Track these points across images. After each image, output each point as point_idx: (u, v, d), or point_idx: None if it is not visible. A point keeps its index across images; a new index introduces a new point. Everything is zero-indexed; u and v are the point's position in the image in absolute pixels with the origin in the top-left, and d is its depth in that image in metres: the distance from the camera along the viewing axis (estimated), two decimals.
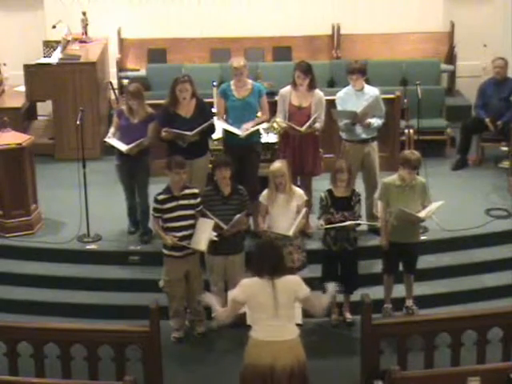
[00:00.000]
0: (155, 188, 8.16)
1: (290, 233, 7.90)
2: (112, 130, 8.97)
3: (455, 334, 7.09)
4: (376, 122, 8.88)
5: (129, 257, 8.90)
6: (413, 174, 7.96)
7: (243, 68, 8.69)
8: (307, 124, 8.67)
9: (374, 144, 9.02)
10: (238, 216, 7.89)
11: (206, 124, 8.51)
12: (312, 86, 8.81)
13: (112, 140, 8.86)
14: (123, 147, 8.72)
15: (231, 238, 7.96)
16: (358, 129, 8.87)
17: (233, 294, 6.45)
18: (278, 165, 7.98)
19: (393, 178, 8.10)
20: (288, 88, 8.87)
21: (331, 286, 6.64)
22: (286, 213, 7.99)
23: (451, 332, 7.10)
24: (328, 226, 8.01)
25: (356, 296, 7.98)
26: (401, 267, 8.25)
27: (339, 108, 8.94)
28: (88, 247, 9.05)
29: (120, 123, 8.91)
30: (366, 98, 8.88)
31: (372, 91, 8.96)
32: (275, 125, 9.09)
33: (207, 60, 12.97)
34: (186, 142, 8.50)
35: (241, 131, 8.62)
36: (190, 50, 13.00)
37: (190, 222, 7.83)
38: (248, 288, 6.34)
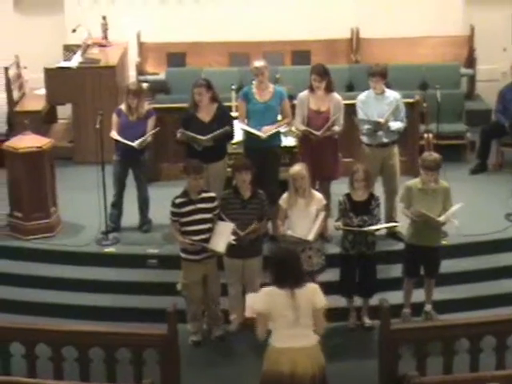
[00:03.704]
0: (173, 192, 8.16)
1: (310, 237, 7.88)
2: (113, 130, 9.15)
3: (474, 340, 7.05)
4: (396, 125, 8.86)
5: (147, 260, 8.92)
6: (430, 176, 7.92)
7: (264, 68, 8.71)
8: (324, 128, 8.67)
9: (395, 148, 8.99)
10: (253, 226, 7.90)
11: (220, 130, 8.53)
12: (329, 89, 8.80)
13: (119, 137, 9.08)
14: (133, 143, 8.93)
15: (249, 241, 7.95)
16: (380, 133, 8.85)
17: (255, 307, 6.30)
18: (297, 168, 7.97)
19: (415, 180, 8.10)
20: (306, 92, 8.86)
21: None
22: (306, 217, 7.97)
23: (470, 337, 7.06)
24: (345, 228, 8.00)
25: (375, 300, 7.96)
26: (422, 271, 8.22)
27: (360, 111, 8.93)
28: (106, 250, 9.09)
29: (119, 121, 9.13)
30: (387, 101, 8.87)
31: (393, 95, 8.94)
32: (293, 128, 9.11)
33: (226, 64, 12.98)
34: (201, 146, 8.53)
35: (262, 133, 8.62)
36: (208, 53, 13.02)
37: (208, 225, 7.83)
38: (267, 297, 6.24)
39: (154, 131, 9.16)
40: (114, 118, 9.22)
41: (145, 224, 9.41)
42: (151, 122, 9.21)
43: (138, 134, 9.04)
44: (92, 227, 9.34)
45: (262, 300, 6.27)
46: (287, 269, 6.22)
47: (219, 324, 8.21)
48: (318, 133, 8.66)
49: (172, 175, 10.04)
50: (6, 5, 12.97)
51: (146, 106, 9.37)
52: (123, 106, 9.24)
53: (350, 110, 9.06)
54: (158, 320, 7.47)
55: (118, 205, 9.36)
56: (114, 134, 9.11)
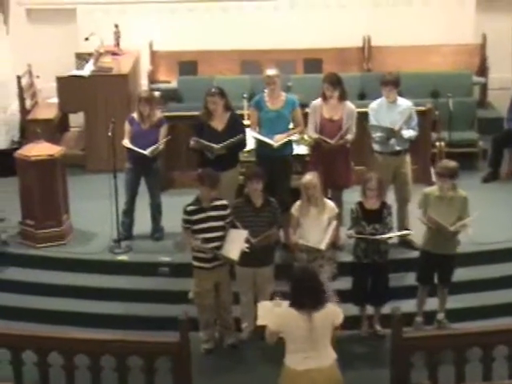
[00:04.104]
0: (185, 200, 8.16)
1: (322, 246, 7.87)
2: (126, 138, 9.17)
3: (487, 349, 7.02)
4: (409, 133, 8.85)
5: (159, 268, 8.93)
6: (443, 182, 7.94)
7: (276, 77, 8.70)
8: (337, 137, 8.66)
9: (407, 156, 8.99)
10: (267, 232, 7.90)
11: (233, 139, 8.55)
12: (342, 98, 8.80)
13: (131, 145, 9.10)
14: (145, 151, 8.95)
15: (260, 249, 7.95)
16: (392, 141, 8.84)
17: (268, 324, 6.19)
18: (309, 177, 7.97)
19: (434, 187, 8.11)
20: (319, 100, 8.85)
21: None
22: (318, 225, 7.97)
23: (483, 346, 7.03)
24: (358, 236, 8.00)
25: (387, 308, 7.94)
26: (435, 280, 8.21)
27: (372, 119, 8.93)
28: (119, 258, 9.10)
29: (131, 130, 9.15)
30: (399, 110, 8.86)
31: (405, 103, 8.93)
32: (306, 136, 9.11)
33: (237, 72, 13.00)
34: (214, 154, 8.54)
35: (274, 141, 8.63)
36: (220, 62, 13.05)
37: (220, 233, 7.84)
38: (283, 318, 6.13)
39: (165, 139, 9.18)
40: (127, 126, 9.24)
41: (157, 232, 9.42)
42: (163, 130, 9.24)
43: (151, 142, 9.07)
44: (104, 235, 9.36)
45: (276, 320, 6.15)
46: (305, 290, 6.06)
47: (231, 332, 8.21)
48: (331, 141, 8.65)
49: (184, 183, 10.05)
50: (19, 14, 13.04)
51: (158, 113, 9.40)
52: (135, 115, 9.27)
53: (362, 118, 9.06)
54: (170, 328, 7.47)
55: (129, 213, 9.37)
56: (126, 143, 9.13)
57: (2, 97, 11.81)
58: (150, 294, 8.77)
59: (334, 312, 6.21)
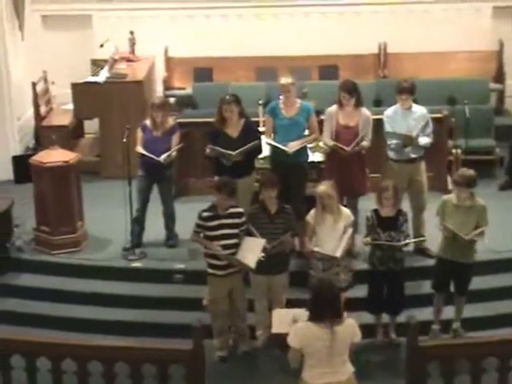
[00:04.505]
0: (200, 207, 8.13)
1: (338, 254, 7.82)
2: (139, 145, 9.14)
3: (503, 358, 6.94)
4: (424, 140, 8.80)
5: (173, 275, 8.90)
6: (459, 190, 7.88)
7: (290, 85, 8.68)
8: (353, 144, 8.62)
9: (422, 164, 8.94)
10: (281, 238, 7.86)
11: (249, 145, 8.53)
12: (358, 105, 8.77)
13: (145, 152, 9.08)
14: (158, 158, 8.92)
15: (275, 257, 7.91)
16: (407, 148, 8.79)
17: (289, 339, 6.09)
18: (324, 187, 7.89)
19: (452, 195, 8.06)
20: (334, 107, 8.83)
21: None
22: (334, 233, 7.91)
23: (499, 355, 6.96)
24: (374, 242, 7.95)
25: (402, 317, 7.87)
26: (452, 288, 8.15)
27: (387, 126, 8.88)
28: (133, 265, 9.09)
29: (144, 137, 9.13)
30: (414, 116, 8.82)
31: (420, 110, 8.89)
32: (321, 144, 9.08)
33: (253, 79, 12.99)
34: (230, 161, 8.52)
35: (288, 148, 8.59)
36: (235, 68, 13.06)
37: (234, 241, 7.81)
38: (303, 334, 6.02)
39: (178, 146, 9.15)
40: (139, 133, 9.22)
41: (171, 239, 9.40)
42: (176, 137, 9.20)
43: (163, 149, 9.04)
44: (118, 242, 9.36)
45: (297, 336, 6.05)
46: (324, 301, 5.98)
47: (245, 339, 8.17)
48: (347, 148, 8.61)
49: (200, 190, 10.03)
50: (35, 20, 13.08)
51: (171, 120, 9.37)
52: (148, 122, 9.25)
53: (378, 124, 9.01)
54: (184, 335, 7.41)
55: (140, 220, 9.33)
56: (140, 149, 9.11)
57: (17, 103, 11.84)
58: (164, 301, 8.76)
59: (354, 329, 6.13)
